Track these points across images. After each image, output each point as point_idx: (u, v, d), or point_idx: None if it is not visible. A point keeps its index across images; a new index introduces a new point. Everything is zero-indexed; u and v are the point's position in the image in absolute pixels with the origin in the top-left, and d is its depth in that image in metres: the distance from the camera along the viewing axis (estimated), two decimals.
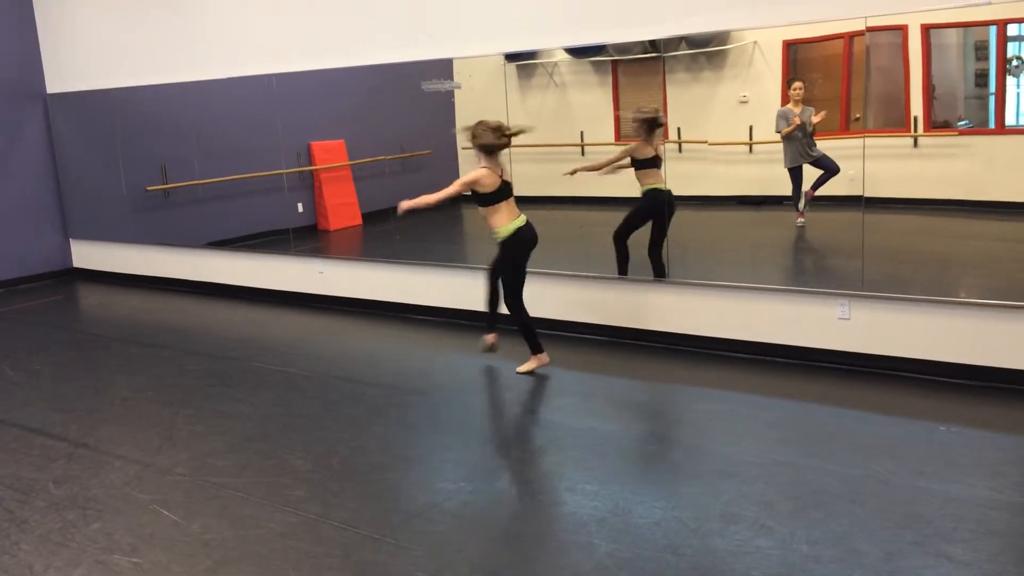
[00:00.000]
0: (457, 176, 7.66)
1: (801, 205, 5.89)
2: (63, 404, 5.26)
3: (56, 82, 8.96)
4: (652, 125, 5.83)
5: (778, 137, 6.04)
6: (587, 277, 6.09)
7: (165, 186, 8.37)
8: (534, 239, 5.25)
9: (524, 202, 6.50)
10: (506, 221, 5.15)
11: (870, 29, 4.97)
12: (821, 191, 5.77)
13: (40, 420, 5.00)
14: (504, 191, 5.15)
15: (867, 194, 5.11)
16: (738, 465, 3.90)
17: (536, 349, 5.37)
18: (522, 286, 5.33)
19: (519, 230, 5.17)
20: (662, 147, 5.89)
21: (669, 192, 5.87)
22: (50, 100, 9.02)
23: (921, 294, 4.90)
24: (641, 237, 5.94)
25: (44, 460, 4.41)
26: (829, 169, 5.72)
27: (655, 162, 5.87)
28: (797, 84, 5.73)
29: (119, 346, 6.59)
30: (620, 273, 6.03)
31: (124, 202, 8.71)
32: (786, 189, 6.16)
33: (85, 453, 4.47)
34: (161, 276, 8.59)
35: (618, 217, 6.14)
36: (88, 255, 9.27)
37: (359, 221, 8.24)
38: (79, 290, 8.85)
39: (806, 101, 5.80)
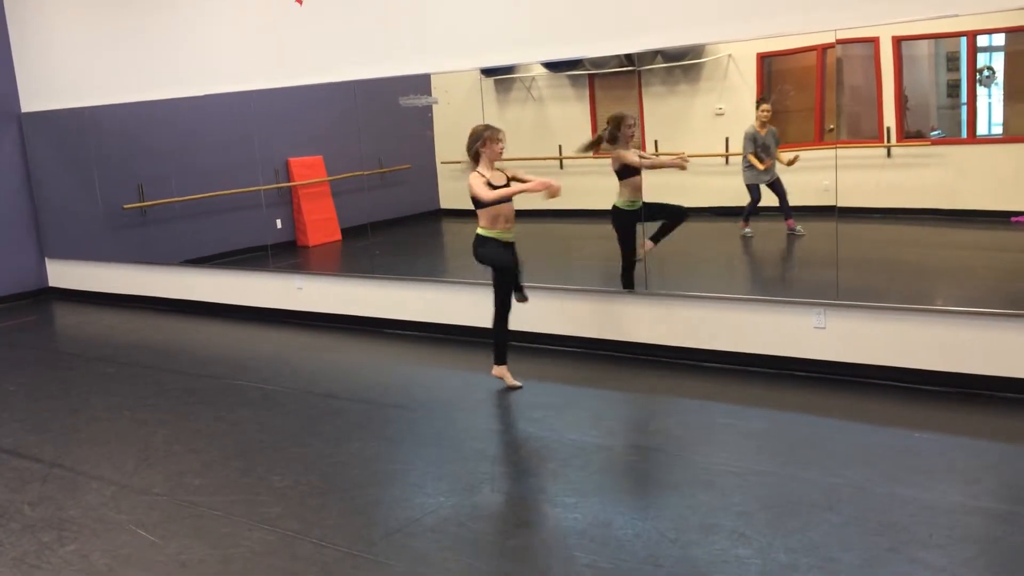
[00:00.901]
0: (436, 189, 7.75)
1: (746, 231, 6.07)
2: (38, 424, 5.21)
3: (30, 101, 8.90)
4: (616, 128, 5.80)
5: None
6: (565, 289, 6.11)
7: (142, 204, 8.33)
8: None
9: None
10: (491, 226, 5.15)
11: (840, 41, 5.04)
12: (794, 201, 5.82)
13: (14, 441, 4.94)
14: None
15: (842, 204, 5.15)
16: (716, 475, 3.92)
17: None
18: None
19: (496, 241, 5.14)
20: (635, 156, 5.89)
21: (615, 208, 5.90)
22: (24, 119, 8.96)
23: (896, 302, 4.95)
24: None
25: (18, 482, 4.36)
26: (782, 195, 5.86)
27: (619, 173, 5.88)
28: (764, 107, 5.80)
29: (95, 365, 6.53)
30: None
31: (101, 220, 8.66)
32: (763, 199, 6.22)
33: (61, 474, 4.43)
34: (138, 294, 8.53)
35: (597, 230, 6.17)
36: (64, 274, 9.19)
37: (338, 236, 8.23)
38: (55, 309, 8.78)
39: (781, 113, 5.86)
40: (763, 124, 5.80)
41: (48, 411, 5.46)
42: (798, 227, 5.88)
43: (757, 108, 5.79)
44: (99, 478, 4.34)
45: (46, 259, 9.26)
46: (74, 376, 6.28)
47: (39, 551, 3.62)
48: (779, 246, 6.31)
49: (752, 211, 6.02)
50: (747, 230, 6.12)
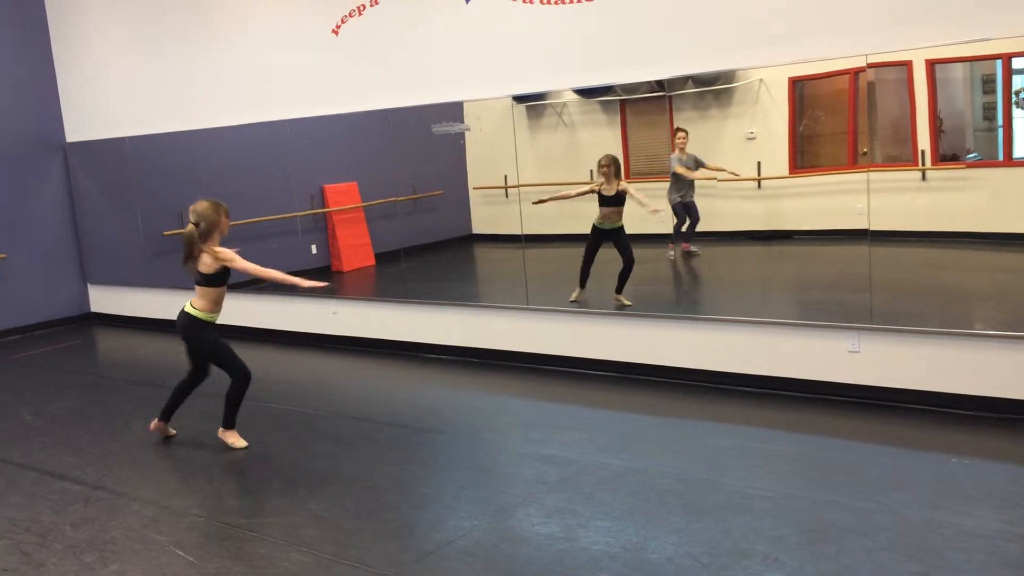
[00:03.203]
0: (469, 214, 7.82)
1: (672, 253, 6.49)
2: (80, 447, 5.32)
3: (75, 131, 9.16)
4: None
5: (786, 172, 6.12)
6: (596, 313, 6.13)
7: (182, 231, 8.49)
8: None
9: (535, 241, 6.59)
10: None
11: (871, 65, 5.04)
12: (834, 225, 5.84)
13: (57, 463, 5.06)
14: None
15: (878, 228, 5.14)
16: (749, 499, 3.91)
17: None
18: None
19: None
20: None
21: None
22: (69, 149, 9.22)
23: (931, 326, 4.91)
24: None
25: (61, 503, 4.46)
26: (693, 218, 6.33)
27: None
28: (680, 133, 6.22)
29: (135, 389, 6.66)
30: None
31: (141, 247, 8.85)
32: (795, 223, 6.22)
33: (102, 496, 4.52)
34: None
35: (640, 253, 6.30)
36: (105, 300, 9.39)
37: (372, 261, 8.34)
38: (96, 334, 8.96)
39: (813, 137, 5.89)
40: (681, 149, 6.26)
41: (90, 434, 5.58)
42: (693, 248, 6.43)
43: (675, 136, 6.25)
44: (140, 500, 4.42)
45: (88, 285, 9.47)
46: (115, 400, 6.41)
47: (80, 571, 3.70)
48: (810, 269, 6.30)
49: (687, 231, 6.42)
50: (672, 252, 6.52)
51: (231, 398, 5.08)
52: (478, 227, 7.94)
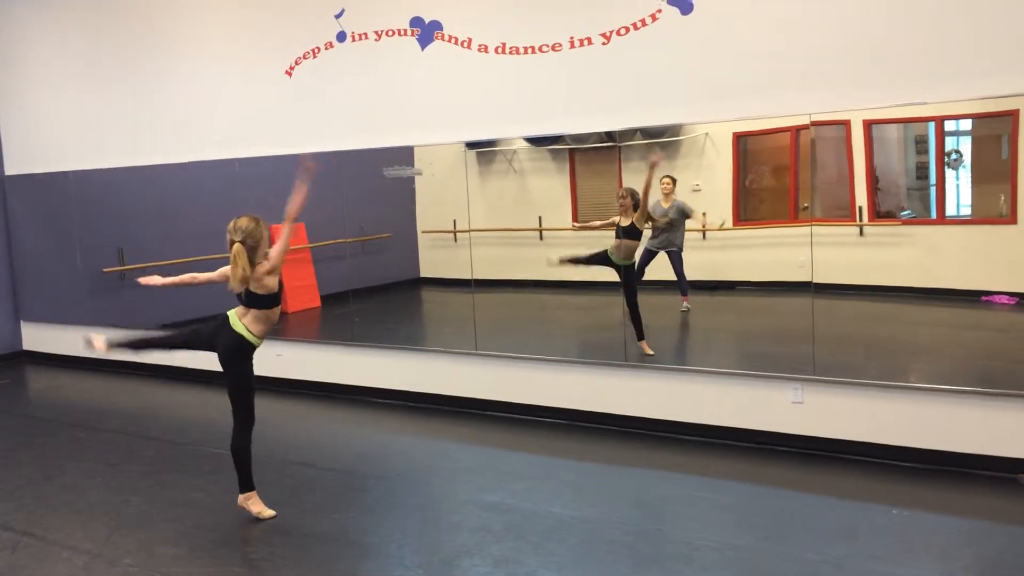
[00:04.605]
0: (417, 258, 7.81)
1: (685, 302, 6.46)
2: (8, 491, 5.11)
3: (13, 164, 8.94)
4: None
5: (729, 224, 6.24)
6: (544, 360, 6.14)
7: (122, 267, 8.32)
8: None
9: (485, 285, 6.60)
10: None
11: (815, 123, 5.20)
12: (776, 277, 5.97)
13: None
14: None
15: (818, 280, 5.26)
16: (696, 550, 3.92)
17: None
18: None
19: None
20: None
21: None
22: (7, 182, 8.98)
23: (871, 378, 5.02)
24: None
25: None
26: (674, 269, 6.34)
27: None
28: (665, 180, 6.27)
29: (69, 431, 6.44)
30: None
31: (79, 284, 8.62)
32: (738, 274, 6.34)
33: (31, 543, 4.34)
34: (114, 359, 8.44)
35: (576, 300, 6.26)
36: (39, 337, 9.11)
37: (318, 303, 8.25)
38: (28, 373, 8.67)
39: (757, 191, 6.04)
40: (665, 195, 6.31)
41: (19, 477, 5.36)
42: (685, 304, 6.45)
43: (660, 181, 6.27)
44: (71, 547, 4.25)
45: (21, 321, 9.18)
46: (46, 442, 6.19)
47: None
48: (753, 320, 6.41)
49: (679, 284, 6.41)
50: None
51: (243, 453, 4.51)
52: (426, 271, 7.93)
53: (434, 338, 7.50)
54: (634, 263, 6.21)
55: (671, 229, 6.30)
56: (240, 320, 4.43)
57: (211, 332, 4.54)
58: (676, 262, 6.31)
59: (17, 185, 8.94)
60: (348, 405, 6.77)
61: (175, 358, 7.79)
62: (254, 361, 4.58)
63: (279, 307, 4.52)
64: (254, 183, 7.65)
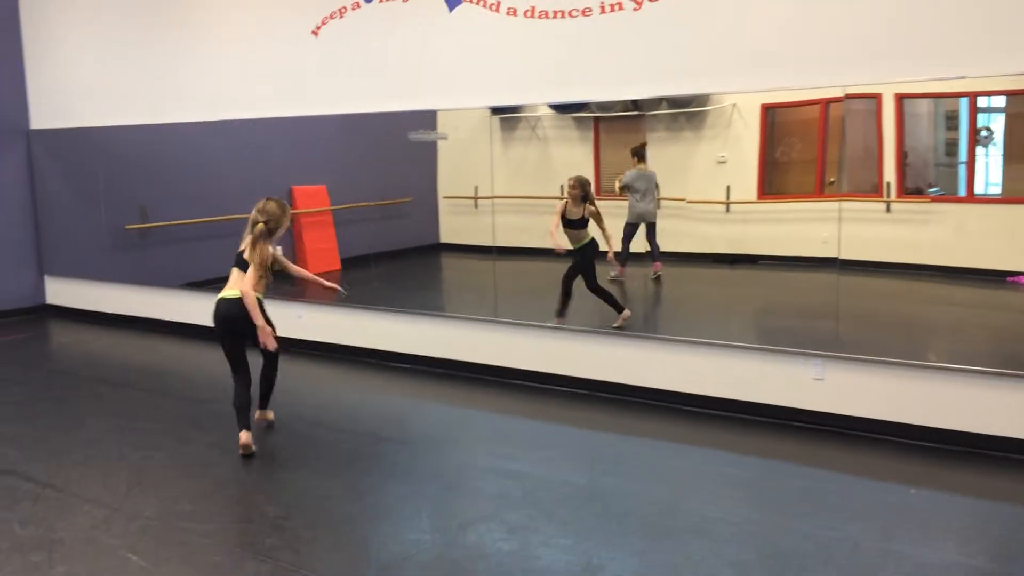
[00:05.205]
0: (437, 223, 7.78)
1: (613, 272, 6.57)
2: (30, 443, 5.18)
3: (40, 118, 8.96)
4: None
5: (755, 198, 6.18)
6: (565, 329, 6.13)
7: (144, 225, 8.36)
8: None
9: (505, 253, 6.58)
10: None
11: (850, 96, 5.11)
12: (800, 252, 5.92)
13: (6, 459, 4.91)
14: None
15: (843, 257, 5.20)
16: (711, 523, 3.92)
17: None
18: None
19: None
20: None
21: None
22: (33, 136, 9.01)
23: (893, 356, 4.97)
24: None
25: (9, 500, 4.33)
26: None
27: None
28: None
29: (90, 385, 6.51)
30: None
31: (102, 240, 8.67)
32: (761, 248, 6.28)
33: (52, 494, 4.40)
34: (136, 315, 8.52)
35: (597, 270, 6.25)
36: (62, 292, 9.19)
37: (338, 266, 8.26)
38: (51, 327, 8.76)
39: (783, 164, 5.97)
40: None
41: (41, 430, 5.43)
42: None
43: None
44: (91, 500, 4.31)
45: (45, 276, 9.25)
46: (68, 395, 6.26)
47: (26, 571, 3.59)
48: (775, 295, 6.36)
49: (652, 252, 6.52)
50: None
51: (268, 381, 5.31)
52: (446, 236, 7.91)
53: (454, 304, 7.51)
54: (583, 246, 6.25)
55: (644, 200, 6.37)
56: (233, 287, 5.03)
57: (228, 333, 5.08)
58: (650, 233, 6.39)
59: (43, 139, 8.97)
60: (367, 368, 6.80)
61: (194, 315, 7.85)
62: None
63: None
64: (278, 143, 7.64)
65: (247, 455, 4.85)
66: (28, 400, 6.12)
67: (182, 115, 7.78)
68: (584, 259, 6.26)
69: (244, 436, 4.87)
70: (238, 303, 4.94)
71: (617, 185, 6.41)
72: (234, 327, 5.02)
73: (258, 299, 5.01)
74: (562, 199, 6.33)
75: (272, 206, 5.03)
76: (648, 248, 6.38)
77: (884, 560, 3.56)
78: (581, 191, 6.19)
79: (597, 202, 6.25)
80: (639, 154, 6.31)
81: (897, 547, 3.67)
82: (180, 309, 8.14)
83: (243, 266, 5.02)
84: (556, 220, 6.30)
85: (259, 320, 4.92)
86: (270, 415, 5.41)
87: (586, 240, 6.27)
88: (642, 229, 6.41)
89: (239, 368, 5.07)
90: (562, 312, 6.32)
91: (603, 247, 6.23)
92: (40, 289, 9.27)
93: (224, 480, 4.57)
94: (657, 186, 6.28)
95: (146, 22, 7.92)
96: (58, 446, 5.14)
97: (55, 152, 8.93)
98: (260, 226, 4.96)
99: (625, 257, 6.45)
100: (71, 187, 8.92)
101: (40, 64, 8.87)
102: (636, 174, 6.33)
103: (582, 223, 6.25)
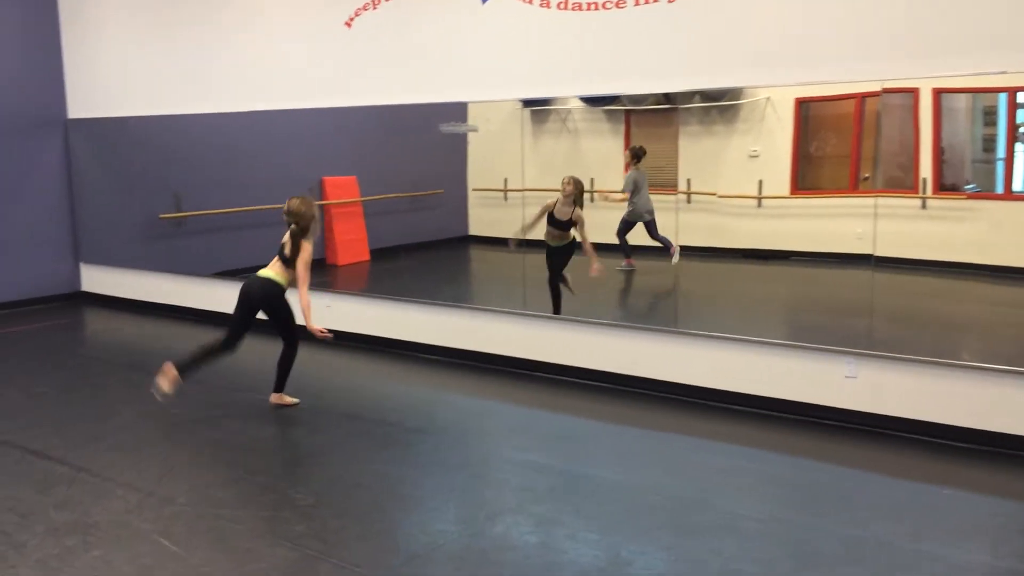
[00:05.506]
0: (466, 215, 7.80)
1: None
2: (66, 428, 5.27)
3: (77, 108, 9.08)
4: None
5: (787, 193, 6.13)
6: (594, 323, 6.11)
7: (178, 214, 8.45)
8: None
9: (533, 245, 6.58)
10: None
11: (887, 91, 5.04)
12: (832, 248, 5.88)
13: (42, 443, 5.00)
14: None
15: (877, 253, 5.14)
16: (739, 520, 3.90)
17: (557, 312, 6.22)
18: None
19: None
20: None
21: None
22: (70, 125, 9.14)
23: (928, 355, 4.91)
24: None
25: (45, 484, 4.41)
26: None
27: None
28: (625, 154, 6.59)
29: (123, 372, 6.61)
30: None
31: (136, 228, 8.79)
32: (793, 244, 6.23)
33: (87, 479, 4.47)
34: (170, 304, 8.62)
35: (638, 265, 6.27)
36: (97, 279, 9.32)
37: (367, 257, 8.30)
38: (86, 314, 8.89)
39: (816, 159, 5.92)
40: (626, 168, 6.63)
41: (76, 415, 5.52)
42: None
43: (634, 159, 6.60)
44: (125, 485, 4.38)
45: (81, 264, 9.39)
46: (102, 381, 6.36)
47: (62, 554, 3.66)
48: (807, 291, 6.30)
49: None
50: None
51: (286, 364, 5.53)
52: (475, 229, 7.92)
53: (482, 296, 7.53)
54: (567, 244, 6.41)
55: (636, 198, 6.56)
56: (270, 270, 5.38)
57: (248, 307, 5.39)
58: (652, 228, 6.51)
59: (80, 128, 9.09)
60: (396, 359, 6.83)
61: (226, 303, 7.91)
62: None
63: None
64: (310, 134, 7.69)
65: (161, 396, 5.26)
66: (63, 386, 6.22)
67: (216, 105, 7.85)
68: (562, 256, 6.41)
69: (169, 370, 5.27)
70: (269, 284, 5.32)
71: (623, 189, 6.59)
72: (256, 304, 5.36)
73: (281, 286, 5.35)
74: (589, 192, 6.35)
75: (295, 204, 5.28)
76: (658, 243, 6.46)
77: (914, 560, 3.52)
78: (575, 190, 6.28)
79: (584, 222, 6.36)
80: (639, 156, 6.40)
81: (927, 547, 3.63)
82: (213, 297, 8.21)
83: (282, 256, 5.34)
84: (538, 215, 6.40)
85: (311, 325, 5.21)
86: (287, 400, 5.57)
87: (569, 240, 6.40)
88: (640, 227, 6.55)
89: (233, 339, 5.36)
90: (558, 311, 6.40)
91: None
92: (76, 276, 9.41)
93: (254, 468, 4.62)
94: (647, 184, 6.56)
95: (181, 13, 8.00)
96: (93, 431, 5.22)
97: (91, 141, 9.05)
98: (293, 227, 5.26)
99: (628, 249, 6.54)
100: (106, 176, 9.03)
101: (77, 55, 8.99)
102: (637, 175, 6.41)
103: (568, 225, 6.33)
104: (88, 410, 5.63)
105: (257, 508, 4.10)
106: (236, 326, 5.37)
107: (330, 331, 5.27)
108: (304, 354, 7.02)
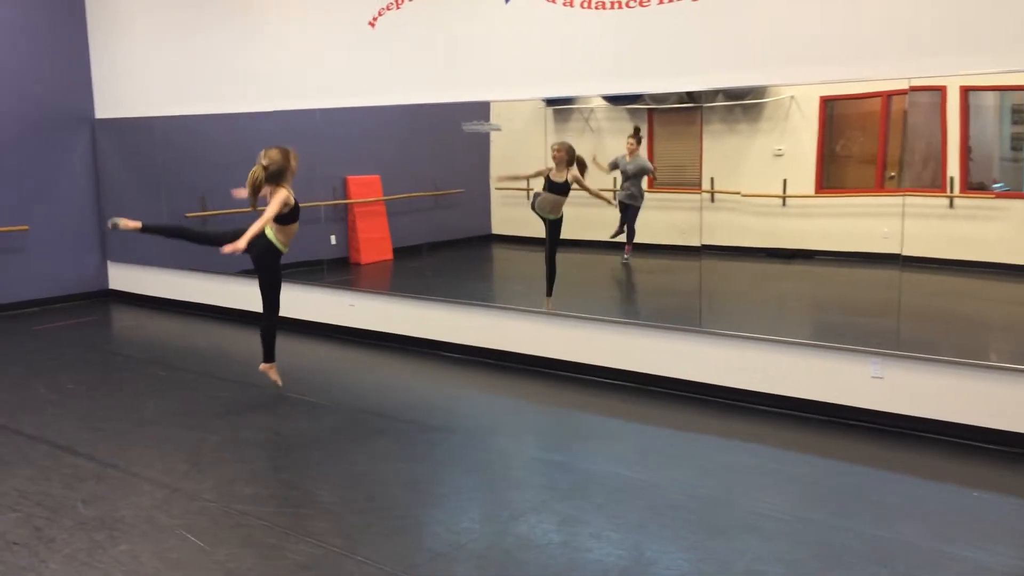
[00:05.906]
0: (489, 214, 7.80)
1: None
2: (93, 423, 5.33)
3: (105, 107, 9.18)
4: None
5: (812, 192, 6.08)
6: (617, 322, 6.10)
7: (204, 213, 8.52)
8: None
9: (561, 245, 6.57)
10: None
11: (913, 89, 4.99)
12: (858, 248, 5.82)
13: (70, 438, 5.06)
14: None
15: (904, 253, 5.09)
16: (764, 520, 3.88)
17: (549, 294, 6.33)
18: None
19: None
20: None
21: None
22: (98, 125, 9.24)
23: (955, 356, 4.86)
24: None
25: (74, 479, 4.46)
26: (628, 226, 6.73)
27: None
28: (630, 140, 6.60)
29: (150, 368, 6.68)
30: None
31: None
32: (818, 243, 6.18)
33: (114, 474, 4.52)
34: (195, 301, 8.70)
35: (649, 263, 6.22)
36: (124, 277, 9.42)
37: (390, 256, 8.33)
38: (113, 311, 8.99)
39: (841, 158, 5.87)
40: (630, 153, 6.62)
41: (103, 411, 5.59)
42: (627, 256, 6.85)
43: (626, 140, 6.60)
44: (151, 480, 4.42)
45: (108, 262, 9.50)
46: (129, 378, 6.42)
47: (91, 549, 3.70)
48: (833, 291, 6.25)
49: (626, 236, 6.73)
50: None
51: (267, 332, 5.78)
52: (498, 228, 7.92)
53: (505, 295, 7.53)
54: (561, 218, 6.51)
55: (634, 184, 6.61)
56: (269, 229, 5.55)
57: (252, 258, 5.65)
58: (632, 216, 6.61)
59: (107, 128, 9.19)
60: (419, 357, 6.85)
61: (250, 302, 7.98)
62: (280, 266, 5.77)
63: (295, 224, 5.63)
64: (333, 133, 7.71)
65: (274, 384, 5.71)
66: (91, 382, 6.30)
67: (241, 105, 7.90)
68: (555, 230, 6.55)
69: (263, 367, 5.74)
70: (262, 237, 5.52)
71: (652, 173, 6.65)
72: (254, 257, 5.63)
73: (271, 241, 5.55)
74: (612, 190, 6.34)
75: (273, 152, 5.51)
76: (625, 233, 6.69)
77: (939, 562, 3.49)
78: (566, 156, 6.40)
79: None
80: (638, 141, 6.62)
81: (955, 550, 3.59)
82: (237, 296, 8.28)
83: (279, 220, 5.54)
84: (534, 174, 6.58)
85: (245, 236, 5.35)
86: (274, 375, 5.84)
87: (560, 214, 6.52)
88: (639, 223, 6.70)
89: (268, 306, 5.75)
90: (550, 291, 6.50)
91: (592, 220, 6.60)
92: (103, 274, 9.52)
93: (278, 464, 4.66)
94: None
95: (207, 13, 8.06)
96: (120, 427, 5.28)
97: (118, 141, 9.15)
98: (257, 169, 5.47)
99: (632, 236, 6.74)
100: (133, 175, 9.12)
101: (104, 54, 9.09)
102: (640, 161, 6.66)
103: (565, 188, 6.44)
104: (115, 406, 5.69)
105: (281, 504, 4.13)
106: (262, 291, 5.72)
107: (243, 251, 5.39)
108: (329, 352, 7.10)
